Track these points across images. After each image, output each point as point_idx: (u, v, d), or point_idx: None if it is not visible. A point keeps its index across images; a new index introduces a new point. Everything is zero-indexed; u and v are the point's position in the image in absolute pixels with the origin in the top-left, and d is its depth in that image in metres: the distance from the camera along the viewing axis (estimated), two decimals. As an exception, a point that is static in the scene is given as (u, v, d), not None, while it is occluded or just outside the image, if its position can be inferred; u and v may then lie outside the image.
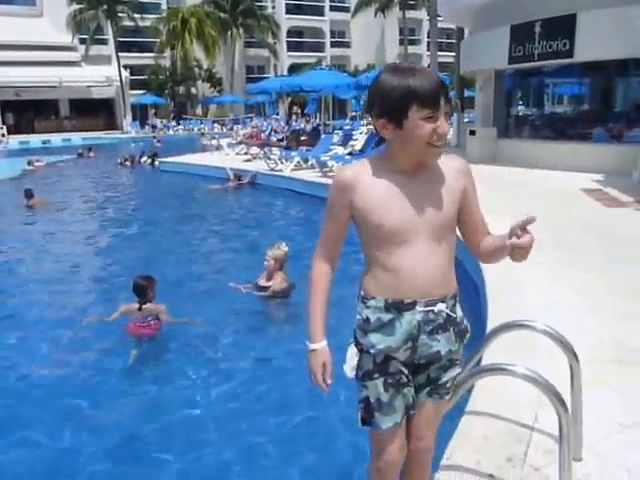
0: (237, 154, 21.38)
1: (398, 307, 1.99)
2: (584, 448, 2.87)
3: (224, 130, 39.44)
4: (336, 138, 19.66)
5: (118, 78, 44.17)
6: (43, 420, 4.34)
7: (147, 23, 46.03)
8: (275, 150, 17.61)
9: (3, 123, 39.49)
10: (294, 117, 31.07)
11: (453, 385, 2.20)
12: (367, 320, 2.04)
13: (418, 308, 1.99)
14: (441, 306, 2.01)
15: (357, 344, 2.11)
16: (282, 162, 16.52)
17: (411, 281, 1.97)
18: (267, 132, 24.25)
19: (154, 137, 33.59)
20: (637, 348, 4.18)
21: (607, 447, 2.96)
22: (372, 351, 2.05)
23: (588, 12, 13.70)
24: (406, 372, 2.08)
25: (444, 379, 2.14)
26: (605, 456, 2.89)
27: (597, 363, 3.87)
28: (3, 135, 36.86)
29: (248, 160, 19.38)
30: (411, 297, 1.98)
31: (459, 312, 2.11)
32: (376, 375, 2.07)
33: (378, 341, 2.03)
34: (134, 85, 47.41)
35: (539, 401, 3.15)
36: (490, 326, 4.22)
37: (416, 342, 2.02)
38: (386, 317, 2.01)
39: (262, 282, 6.49)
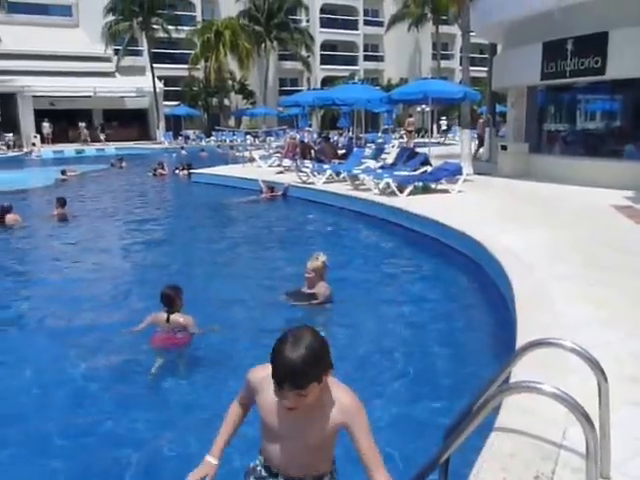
0: (270, 166, 21.55)
1: (269, 470, 2.47)
2: (612, 466, 2.90)
3: (257, 142, 39.75)
4: (368, 151, 19.79)
5: (152, 89, 44.68)
6: (63, 432, 4.36)
7: (182, 35, 46.72)
8: (307, 163, 17.78)
9: (38, 132, 40.04)
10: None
11: None
12: (254, 470, 2.52)
13: (280, 478, 2.44)
14: None
15: None
16: (314, 175, 16.69)
17: (272, 459, 2.43)
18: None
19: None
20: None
21: (635, 466, 2.99)
22: None
23: (620, 30, 13.70)
24: None
25: None
26: (633, 475, 2.91)
27: (627, 380, 3.88)
28: (34, 144, 37.13)
29: (281, 172, 19.57)
30: (275, 468, 2.44)
31: None
32: None
33: None
34: (168, 96, 48.07)
35: (568, 418, 3.15)
36: (519, 342, 4.26)
37: None
38: (265, 474, 2.49)
39: (305, 289, 6.82)
